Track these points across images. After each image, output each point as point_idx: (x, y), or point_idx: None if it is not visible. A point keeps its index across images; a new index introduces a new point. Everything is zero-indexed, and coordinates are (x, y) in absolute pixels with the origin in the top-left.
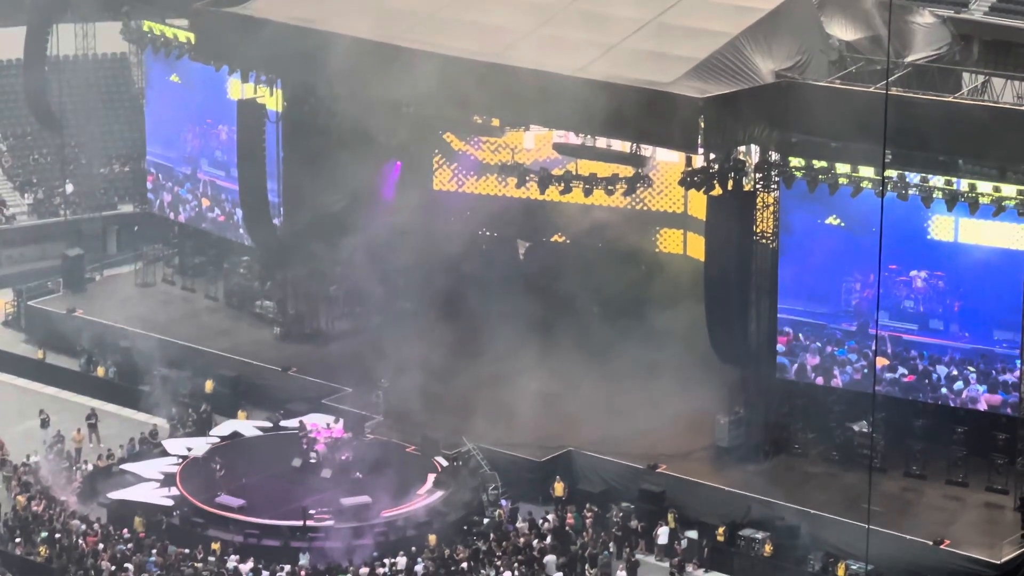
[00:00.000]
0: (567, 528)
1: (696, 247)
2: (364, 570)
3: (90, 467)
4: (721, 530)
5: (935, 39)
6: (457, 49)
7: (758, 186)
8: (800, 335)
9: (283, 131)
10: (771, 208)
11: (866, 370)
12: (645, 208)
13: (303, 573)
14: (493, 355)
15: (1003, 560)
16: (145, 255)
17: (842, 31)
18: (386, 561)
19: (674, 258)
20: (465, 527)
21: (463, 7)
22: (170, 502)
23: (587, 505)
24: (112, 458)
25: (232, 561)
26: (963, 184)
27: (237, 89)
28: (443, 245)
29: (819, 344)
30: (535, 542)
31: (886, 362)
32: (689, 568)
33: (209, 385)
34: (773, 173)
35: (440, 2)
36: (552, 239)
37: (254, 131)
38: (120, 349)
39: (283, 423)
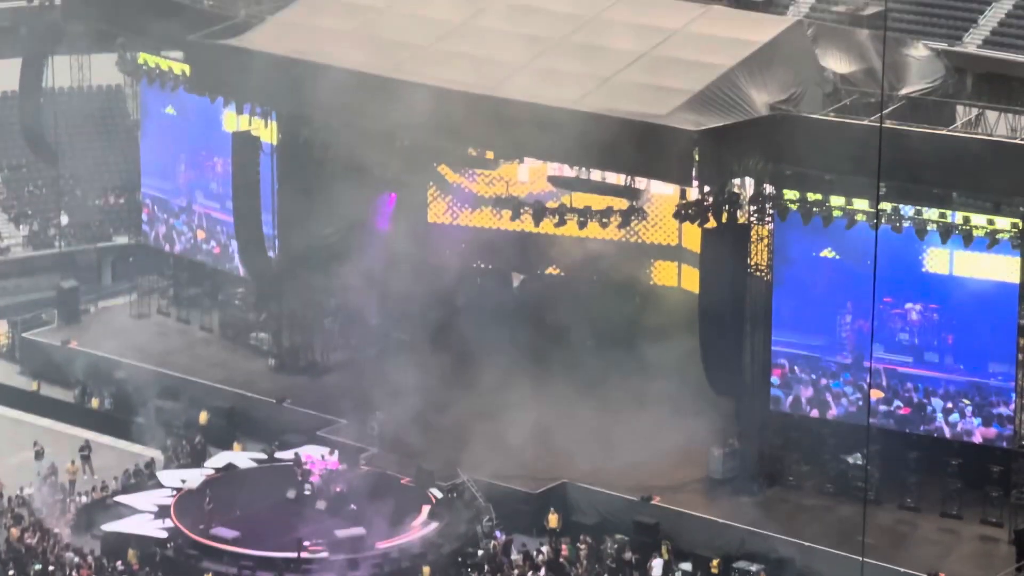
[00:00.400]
0: (561, 560)
1: (691, 279)
2: None
3: (84, 499)
4: (715, 562)
5: (929, 72)
6: (452, 81)
7: (752, 219)
8: (795, 367)
9: (278, 163)
10: (765, 240)
11: (861, 402)
12: (639, 240)
13: None
14: (487, 387)
15: None
16: (140, 287)
17: (836, 64)
18: None
19: (669, 290)
20: (460, 559)
21: (458, 39)
22: (164, 534)
23: (581, 537)
24: (106, 490)
25: None
26: (957, 217)
27: (232, 121)
28: (438, 277)
29: (814, 377)
30: (529, 574)
31: (881, 395)
32: None
33: (203, 416)
34: (768, 205)
35: (435, 34)
36: (547, 271)
37: (249, 163)
38: (115, 380)
39: (278, 455)
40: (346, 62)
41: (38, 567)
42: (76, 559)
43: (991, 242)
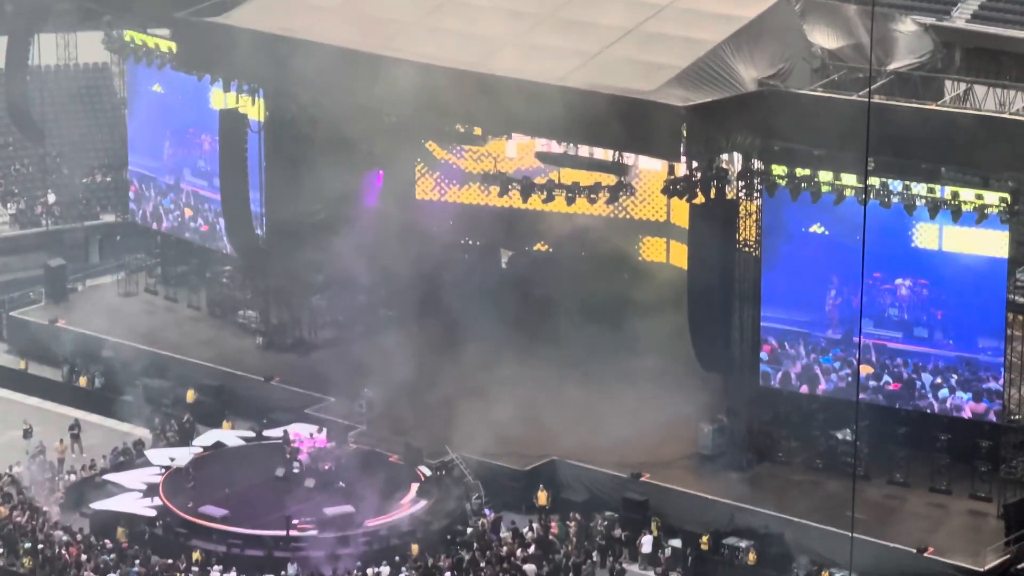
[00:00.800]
0: (551, 537)
1: (679, 255)
2: None
3: (73, 477)
4: (705, 538)
5: (917, 47)
6: (439, 58)
7: (741, 194)
8: (785, 343)
9: (265, 140)
10: (754, 216)
11: (850, 378)
12: (628, 216)
13: None
14: (476, 364)
15: (986, 568)
16: (128, 265)
17: (824, 39)
18: (369, 571)
19: (657, 266)
20: (448, 536)
21: (445, 15)
22: (153, 512)
23: (571, 514)
24: (95, 468)
25: (215, 572)
26: (946, 192)
27: (219, 99)
28: (426, 254)
29: (803, 352)
30: (519, 551)
31: (871, 370)
32: None
33: (191, 395)
34: (756, 181)
35: (422, 10)
36: (535, 248)
37: (236, 141)
38: (102, 359)
39: (266, 433)
40: (333, 39)
41: (27, 545)
42: (65, 537)
43: (980, 217)
